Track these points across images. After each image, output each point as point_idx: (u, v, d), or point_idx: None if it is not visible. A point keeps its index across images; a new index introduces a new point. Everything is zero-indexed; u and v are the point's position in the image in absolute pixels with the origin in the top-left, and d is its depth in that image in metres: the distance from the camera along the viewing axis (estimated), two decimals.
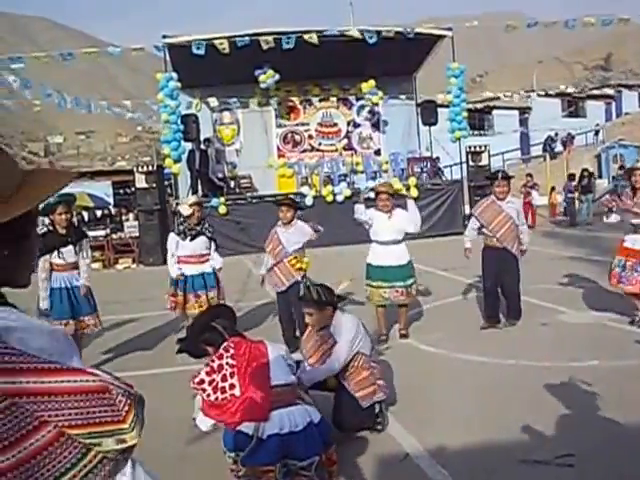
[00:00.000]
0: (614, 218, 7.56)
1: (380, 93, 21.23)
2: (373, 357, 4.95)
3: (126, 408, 1.28)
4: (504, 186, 7.72)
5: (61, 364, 1.25)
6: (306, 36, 17.98)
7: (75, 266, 7.01)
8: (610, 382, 5.27)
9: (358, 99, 22.42)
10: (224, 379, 3.79)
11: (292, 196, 14.70)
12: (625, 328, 7.14)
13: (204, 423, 4.00)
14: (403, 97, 22.60)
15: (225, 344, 3.95)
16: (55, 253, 6.85)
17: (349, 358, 4.61)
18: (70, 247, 6.92)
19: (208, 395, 3.78)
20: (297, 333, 7.21)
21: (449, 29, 20.18)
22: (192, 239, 7.55)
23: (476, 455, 4.20)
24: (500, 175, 7.99)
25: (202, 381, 3.80)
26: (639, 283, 7.06)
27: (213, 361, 3.86)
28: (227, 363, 3.81)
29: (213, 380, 3.79)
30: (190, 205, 7.68)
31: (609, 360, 5.94)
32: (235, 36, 18.07)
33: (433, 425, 4.74)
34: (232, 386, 3.79)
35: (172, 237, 7.69)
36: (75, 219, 21.17)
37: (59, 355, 1.30)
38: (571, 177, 22.85)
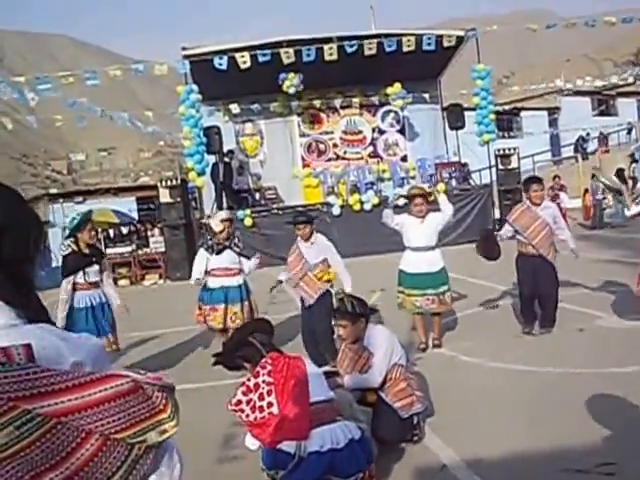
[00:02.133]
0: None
1: (408, 97, 20.83)
2: (409, 368, 5.00)
3: (164, 401, 1.31)
4: (539, 190, 7.63)
5: (94, 374, 1.26)
6: (326, 50, 17.76)
7: (97, 285, 7.14)
8: None
9: (382, 105, 22.06)
10: (261, 398, 3.72)
11: (302, 209, 14.53)
12: None
13: (251, 442, 3.96)
14: (428, 101, 22.21)
15: (262, 361, 3.86)
16: (80, 274, 6.94)
17: (387, 370, 4.62)
18: (96, 267, 7.06)
19: (247, 415, 3.73)
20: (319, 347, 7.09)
21: (473, 30, 19.79)
22: (218, 253, 7.62)
23: (515, 465, 4.16)
24: (533, 179, 7.94)
25: (239, 402, 3.75)
26: None
27: (249, 380, 3.80)
28: (264, 381, 3.74)
29: (250, 400, 3.73)
30: (222, 221, 7.76)
31: None
32: (255, 47, 17.90)
33: (470, 435, 4.70)
34: (270, 404, 3.72)
35: (201, 253, 7.79)
36: (100, 236, 21.21)
37: (96, 366, 1.33)
38: (594, 177, 22.13)
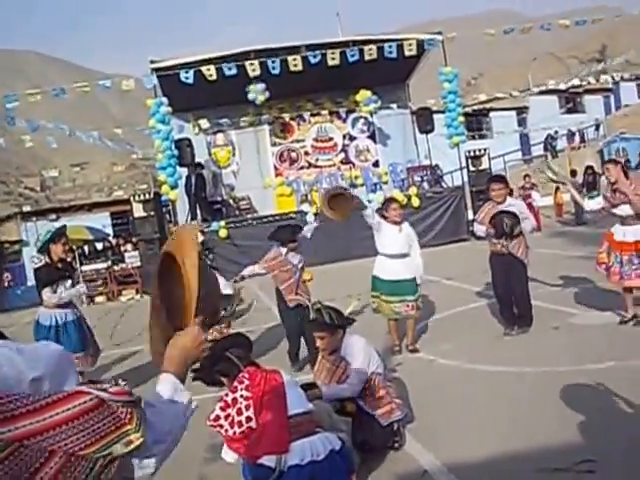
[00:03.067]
0: (623, 209, 7.34)
1: (376, 103, 20.99)
2: (387, 375, 4.97)
3: (129, 416, 1.32)
4: (499, 189, 7.60)
5: (56, 394, 1.26)
6: (291, 61, 17.92)
7: (69, 301, 7.02)
8: (628, 383, 5.15)
9: (352, 111, 22.22)
10: (239, 413, 3.69)
11: (292, 222, 14.55)
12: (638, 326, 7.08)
13: (229, 455, 3.92)
14: (397, 106, 22.40)
15: (239, 375, 3.84)
16: (49, 289, 6.81)
17: (365, 379, 4.62)
18: (69, 281, 6.98)
19: (226, 430, 3.70)
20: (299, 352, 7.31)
21: (439, 33, 19.98)
22: None
23: (496, 467, 4.16)
24: (492, 179, 7.96)
25: (218, 417, 3.72)
26: (634, 277, 7.06)
27: (227, 395, 3.76)
28: (242, 396, 3.70)
29: (229, 415, 3.70)
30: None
31: (625, 360, 5.83)
32: (223, 58, 17.96)
33: (450, 439, 4.68)
34: (248, 419, 3.69)
35: None
36: (71, 254, 21.06)
37: (55, 377, 1.34)
38: (573, 174, 22.46)
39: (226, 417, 3.71)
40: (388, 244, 7.34)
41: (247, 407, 3.69)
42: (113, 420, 1.29)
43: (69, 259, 8.22)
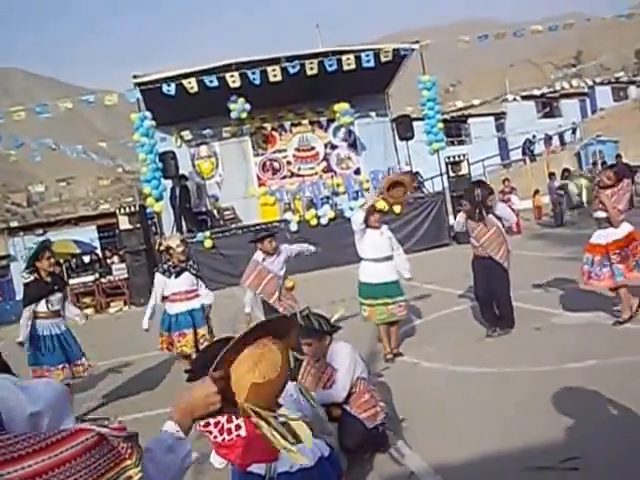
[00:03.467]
0: (601, 213, 7.48)
1: (355, 114, 21.34)
2: (371, 380, 4.99)
3: (129, 450, 1.35)
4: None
5: (59, 433, 1.27)
6: (270, 72, 18.23)
7: (59, 313, 7.05)
8: (609, 381, 5.26)
9: (332, 121, 22.51)
10: (229, 420, 3.53)
11: (267, 226, 14.77)
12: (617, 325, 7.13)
13: (217, 460, 4.00)
14: (377, 114, 22.73)
15: None
16: (43, 302, 6.88)
17: (351, 385, 4.65)
18: (58, 295, 7.01)
19: (215, 437, 3.53)
20: None
21: (416, 42, 20.34)
22: (177, 276, 7.48)
23: (481, 467, 4.21)
24: (475, 184, 8.01)
25: (208, 424, 3.57)
26: (606, 278, 7.13)
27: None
28: None
29: (218, 422, 3.53)
30: (181, 241, 7.76)
31: (606, 358, 5.93)
32: (203, 72, 18.25)
33: (436, 441, 4.74)
34: (238, 427, 3.54)
35: (158, 277, 7.60)
36: (58, 267, 21.19)
37: (55, 414, 1.36)
38: (552, 176, 22.87)
39: (215, 424, 3.77)
40: (372, 249, 7.44)
41: (237, 415, 3.85)
42: (113, 456, 1.32)
43: (58, 271, 8.23)
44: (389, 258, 7.46)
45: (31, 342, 6.88)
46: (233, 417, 3.49)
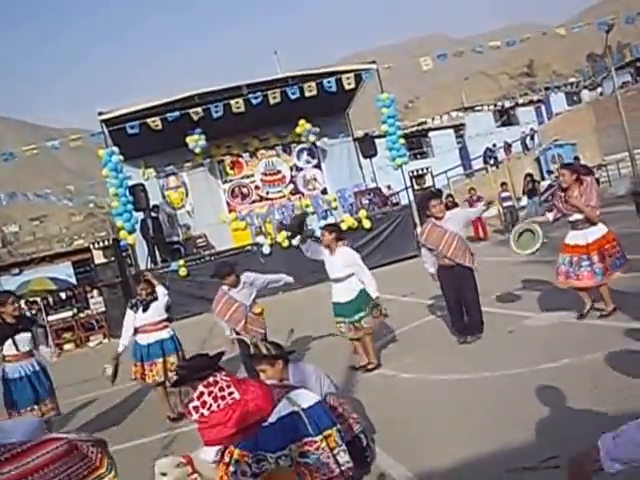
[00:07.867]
0: (553, 215, 7.67)
1: (316, 133, 21.96)
2: (341, 394, 5.04)
3: (99, 456, 1.41)
4: (439, 204, 7.69)
5: (31, 442, 1.35)
6: (233, 104, 18.76)
7: (30, 353, 7.06)
8: (583, 378, 5.35)
9: (296, 143, 23.09)
10: (222, 389, 3.90)
11: (238, 251, 14.90)
12: (587, 323, 7.21)
13: (208, 454, 4.05)
14: (339, 134, 23.38)
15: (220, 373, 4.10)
16: (10, 344, 6.90)
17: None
18: (25, 335, 6.98)
19: (209, 407, 3.82)
20: None
21: (373, 62, 20.86)
22: (145, 309, 7.57)
23: (465, 472, 4.25)
24: (430, 196, 8.00)
25: (202, 393, 3.88)
26: (586, 278, 7.24)
27: (207, 379, 3.98)
28: (221, 379, 3.95)
29: (211, 392, 3.88)
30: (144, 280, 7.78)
31: (579, 356, 5.98)
32: (167, 104, 18.74)
33: (420, 450, 4.76)
34: (230, 393, 3.91)
35: (129, 314, 7.71)
36: (36, 306, 21.35)
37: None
38: (503, 186, 23.00)
39: (209, 393, 3.85)
40: (328, 270, 7.53)
41: (228, 385, 3.93)
42: (85, 464, 1.36)
43: (29, 313, 8.17)
44: (344, 278, 7.40)
45: (4, 385, 6.93)
46: (225, 387, 3.90)
